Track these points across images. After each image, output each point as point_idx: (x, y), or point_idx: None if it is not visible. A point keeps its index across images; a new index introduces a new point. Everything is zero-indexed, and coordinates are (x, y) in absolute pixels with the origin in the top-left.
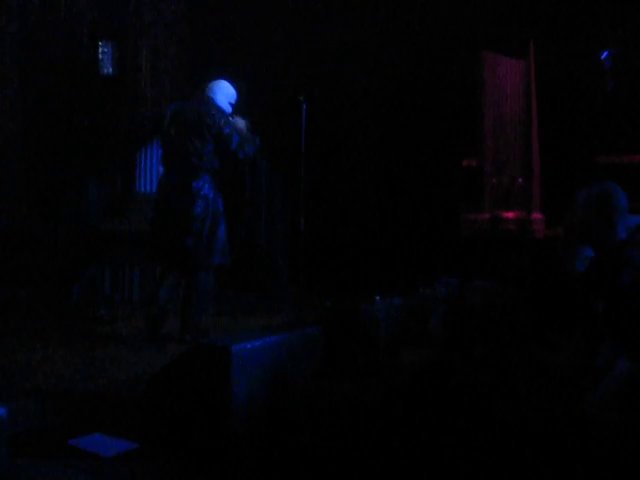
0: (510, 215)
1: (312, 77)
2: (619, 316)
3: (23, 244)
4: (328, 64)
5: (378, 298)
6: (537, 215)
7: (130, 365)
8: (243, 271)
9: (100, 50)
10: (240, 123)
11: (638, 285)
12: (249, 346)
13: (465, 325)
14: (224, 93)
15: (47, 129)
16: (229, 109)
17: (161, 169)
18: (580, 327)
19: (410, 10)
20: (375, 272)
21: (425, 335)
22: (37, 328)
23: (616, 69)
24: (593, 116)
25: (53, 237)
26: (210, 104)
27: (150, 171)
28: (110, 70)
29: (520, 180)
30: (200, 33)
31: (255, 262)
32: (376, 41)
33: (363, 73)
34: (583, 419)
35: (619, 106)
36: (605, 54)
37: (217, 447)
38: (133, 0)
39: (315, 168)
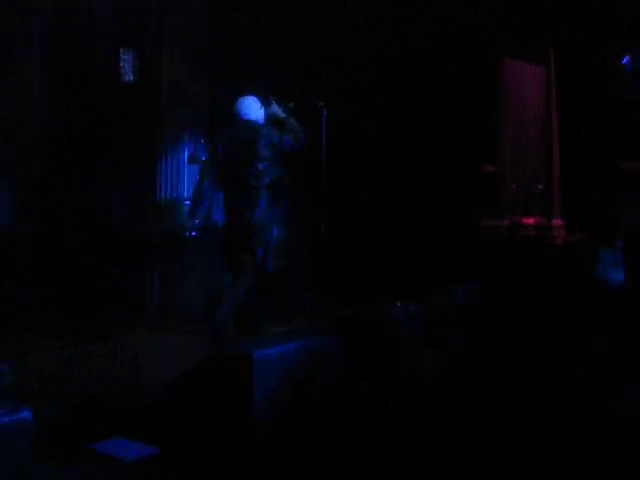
0: (530, 221)
1: (332, 83)
2: None
3: (46, 250)
4: (348, 70)
5: (398, 304)
6: (558, 221)
7: (151, 369)
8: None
9: (121, 58)
10: (277, 110)
11: None
12: (270, 352)
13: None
14: (254, 108)
15: (68, 137)
16: (263, 115)
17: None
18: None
19: (432, 18)
20: (394, 277)
21: (445, 340)
22: (58, 332)
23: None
24: (614, 121)
25: (75, 244)
26: (252, 127)
27: (171, 178)
28: (131, 78)
29: (540, 186)
30: (220, 41)
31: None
32: (397, 48)
33: (383, 80)
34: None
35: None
36: (625, 59)
37: (239, 449)
38: (155, 8)
39: (335, 173)
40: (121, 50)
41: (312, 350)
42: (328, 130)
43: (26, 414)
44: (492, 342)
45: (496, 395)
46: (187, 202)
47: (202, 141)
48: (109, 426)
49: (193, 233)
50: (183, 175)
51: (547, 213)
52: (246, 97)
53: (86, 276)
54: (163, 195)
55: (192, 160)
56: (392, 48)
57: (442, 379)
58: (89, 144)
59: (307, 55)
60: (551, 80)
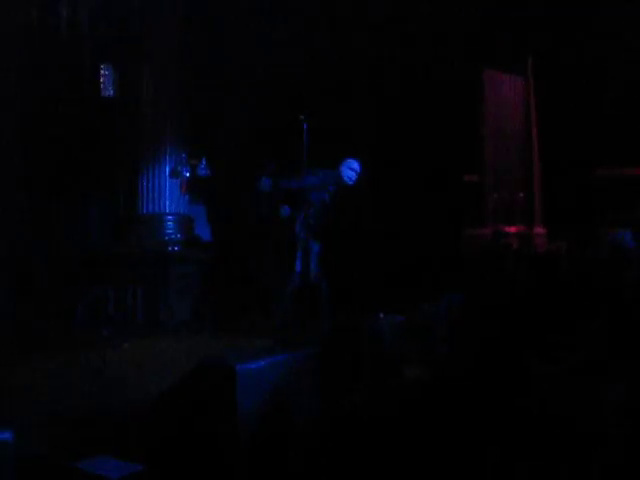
0: (512, 229)
1: (313, 97)
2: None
3: (27, 267)
4: (328, 83)
5: (381, 315)
6: (539, 229)
7: (135, 385)
8: (246, 291)
9: (101, 73)
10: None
11: None
12: (253, 366)
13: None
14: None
15: (49, 151)
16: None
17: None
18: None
19: (411, 30)
20: (378, 289)
21: (429, 351)
22: (42, 349)
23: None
24: (593, 129)
25: (57, 259)
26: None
27: (152, 193)
28: (111, 92)
29: (521, 194)
30: (201, 57)
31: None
32: (377, 61)
33: (364, 92)
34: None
35: (618, 119)
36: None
37: (223, 462)
38: (135, 24)
39: None
40: (101, 65)
41: (297, 363)
42: (309, 143)
43: (6, 435)
44: (478, 352)
45: (484, 407)
46: (169, 216)
47: (184, 155)
48: (95, 442)
49: (176, 248)
50: (165, 190)
51: (529, 221)
52: (349, 161)
53: (68, 291)
54: (145, 210)
55: (174, 174)
56: (371, 61)
57: (427, 391)
58: (69, 159)
59: (290, 67)
60: (530, 90)
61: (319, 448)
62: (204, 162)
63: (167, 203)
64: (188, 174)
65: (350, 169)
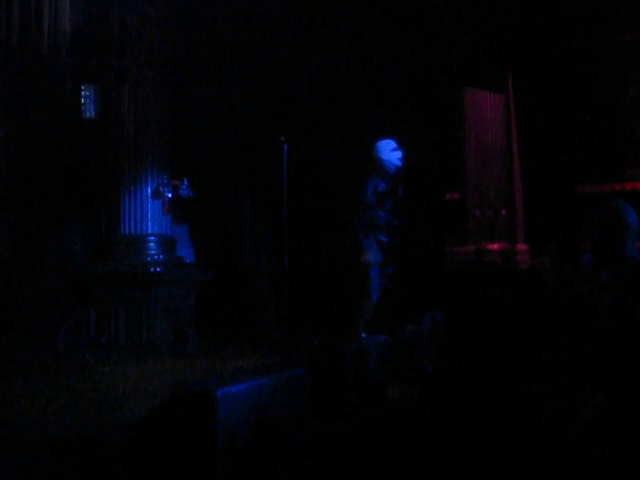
0: (495, 247)
1: (294, 117)
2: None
3: (6, 288)
4: (308, 103)
5: (364, 335)
6: (521, 246)
7: (118, 410)
8: (229, 311)
9: (82, 94)
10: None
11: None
12: (234, 390)
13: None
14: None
15: (30, 173)
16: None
17: None
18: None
19: (392, 49)
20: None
21: (413, 370)
22: (23, 374)
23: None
24: (573, 147)
25: (37, 281)
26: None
27: (134, 213)
28: (92, 114)
29: (503, 212)
30: (183, 77)
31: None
32: (356, 80)
33: (343, 110)
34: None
35: (598, 137)
36: None
37: None
38: (116, 44)
39: (298, 207)
40: (82, 86)
41: (280, 386)
42: (290, 164)
43: None
44: (461, 370)
45: (469, 425)
46: (152, 237)
47: (166, 176)
48: (79, 471)
49: (158, 269)
50: (147, 211)
51: (511, 238)
52: (384, 141)
53: (50, 313)
54: (127, 231)
55: (156, 195)
56: (350, 80)
57: (412, 410)
58: (51, 181)
59: (267, 89)
60: (510, 107)
61: (307, 474)
62: (186, 183)
63: (149, 224)
64: (170, 195)
65: (395, 153)
